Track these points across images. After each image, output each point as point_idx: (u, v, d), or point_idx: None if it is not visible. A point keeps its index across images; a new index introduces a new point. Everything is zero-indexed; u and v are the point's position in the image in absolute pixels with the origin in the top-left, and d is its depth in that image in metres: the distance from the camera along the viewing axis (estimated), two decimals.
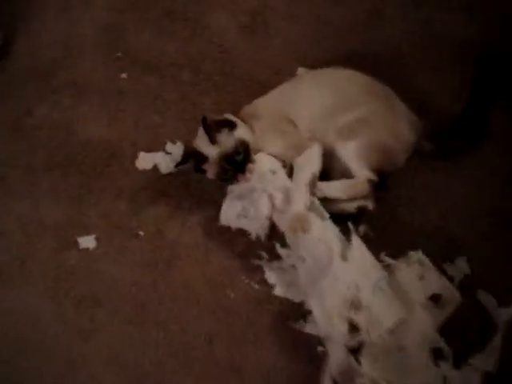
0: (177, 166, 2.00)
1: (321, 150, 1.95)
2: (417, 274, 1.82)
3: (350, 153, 1.95)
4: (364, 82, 2.07)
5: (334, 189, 1.94)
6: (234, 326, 1.90)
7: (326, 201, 1.92)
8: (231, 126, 1.95)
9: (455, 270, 1.89)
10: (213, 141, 1.92)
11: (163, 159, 2.16)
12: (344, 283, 1.74)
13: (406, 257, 1.87)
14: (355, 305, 1.72)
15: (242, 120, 2.02)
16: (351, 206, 1.97)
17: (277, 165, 1.94)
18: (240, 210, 1.93)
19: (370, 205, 1.98)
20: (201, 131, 1.95)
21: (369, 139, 1.95)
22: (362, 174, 1.94)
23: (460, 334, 1.79)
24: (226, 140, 1.93)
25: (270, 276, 1.94)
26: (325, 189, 1.93)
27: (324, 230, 1.82)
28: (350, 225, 1.84)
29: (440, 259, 1.91)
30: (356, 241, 1.80)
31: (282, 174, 1.93)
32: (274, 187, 1.91)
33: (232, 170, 1.93)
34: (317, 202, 1.89)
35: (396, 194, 2.05)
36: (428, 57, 2.30)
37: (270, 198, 1.90)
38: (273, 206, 1.90)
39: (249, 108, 2.09)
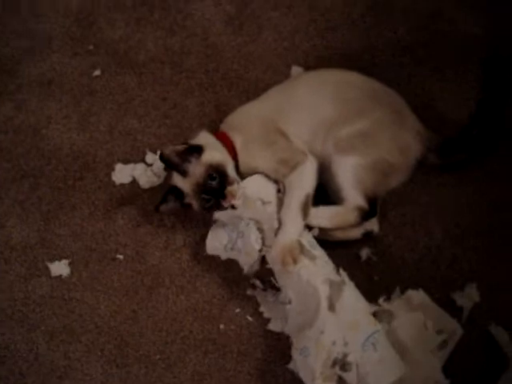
0: (157, 208, 1.76)
1: (315, 166, 1.75)
2: (418, 323, 1.64)
3: (346, 171, 1.75)
4: (367, 85, 1.86)
5: (319, 217, 1.74)
6: (225, 361, 1.73)
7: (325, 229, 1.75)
8: (198, 151, 1.73)
9: (464, 298, 1.75)
10: (183, 173, 1.72)
11: (143, 172, 1.94)
12: (329, 337, 1.53)
13: (405, 296, 1.70)
14: (341, 363, 1.53)
15: (226, 131, 1.81)
16: (357, 232, 1.79)
17: (271, 196, 1.72)
18: (226, 241, 1.73)
19: (375, 228, 1.81)
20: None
21: (369, 156, 1.75)
22: (354, 199, 1.74)
23: (469, 369, 1.66)
24: (196, 168, 1.72)
25: (265, 309, 1.76)
26: (312, 217, 1.73)
27: (313, 272, 1.62)
28: (342, 272, 1.64)
29: (447, 286, 1.76)
30: (348, 289, 1.61)
31: (273, 207, 1.71)
32: (261, 218, 1.70)
33: (212, 199, 1.72)
34: (308, 236, 1.70)
35: (400, 212, 1.88)
36: (432, 55, 2.09)
37: (260, 229, 1.70)
38: (263, 240, 1.70)
39: (232, 117, 1.88)
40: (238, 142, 1.79)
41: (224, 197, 1.70)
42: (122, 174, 1.95)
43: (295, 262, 1.63)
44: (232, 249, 1.73)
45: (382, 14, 2.18)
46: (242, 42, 2.15)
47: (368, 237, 1.82)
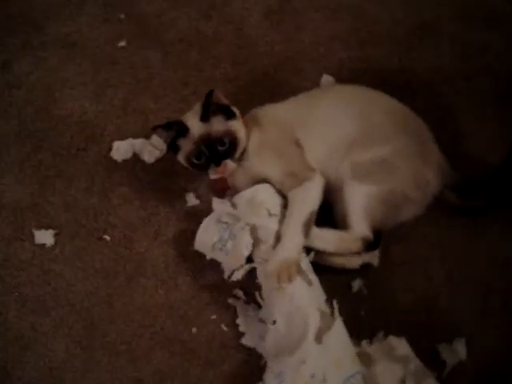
0: (155, 127, 1.68)
1: (322, 186, 1.66)
2: (397, 375, 1.55)
3: (357, 198, 1.66)
4: (396, 111, 1.76)
5: (323, 239, 1.66)
6: (190, 366, 1.67)
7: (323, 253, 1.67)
8: (230, 115, 1.67)
9: (450, 353, 1.65)
10: (204, 117, 1.65)
11: (143, 146, 1.88)
12: (310, 369, 1.45)
13: (387, 342, 1.61)
14: None
15: (245, 123, 1.73)
16: (355, 263, 1.71)
17: (277, 209, 1.65)
18: (217, 240, 1.65)
19: (375, 261, 1.72)
20: (197, 106, 1.68)
21: (385, 187, 1.66)
22: (360, 228, 1.66)
23: None
24: (218, 124, 1.66)
25: (242, 322, 1.69)
26: (316, 238, 1.65)
27: (306, 298, 1.55)
28: (335, 303, 1.56)
29: (435, 337, 1.67)
30: (338, 324, 1.53)
31: (276, 222, 1.64)
32: (261, 227, 1.63)
33: (207, 158, 1.65)
34: (306, 259, 1.62)
35: (403, 248, 1.78)
36: (473, 90, 1.98)
37: (255, 238, 1.63)
38: (254, 247, 1.62)
39: (255, 112, 1.79)
40: (254, 138, 1.72)
41: (218, 164, 1.64)
42: (121, 150, 1.89)
43: (290, 279, 1.56)
44: (220, 249, 1.65)
45: (428, 37, 2.07)
46: (277, 38, 2.06)
47: (365, 269, 1.73)
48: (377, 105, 1.76)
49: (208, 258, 1.68)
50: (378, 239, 1.69)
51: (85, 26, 2.07)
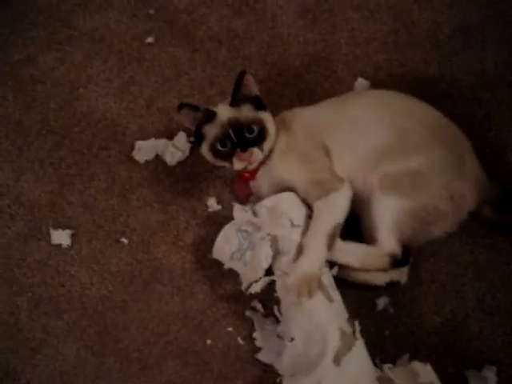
0: (181, 106, 1.59)
1: (350, 197, 1.57)
2: None
3: (386, 212, 1.56)
4: (432, 120, 1.65)
5: (348, 253, 1.57)
6: (203, 378, 1.61)
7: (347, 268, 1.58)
8: (260, 106, 1.61)
9: (479, 380, 1.55)
10: (234, 102, 1.58)
11: (166, 148, 1.82)
12: None
13: (411, 367, 1.51)
14: None
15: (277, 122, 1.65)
16: (381, 279, 1.61)
17: (301, 220, 1.56)
18: (236, 249, 1.58)
19: (403, 279, 1.63)
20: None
21: (416, 201, 1.55)
22: (388, 244, 1.56)
23: None
24: (247, 111, 1.59)
25: (259, 337, 1.62)
26: (341, 252, 1.56)
27: (326, 316, 1.46)
28: (356, 325, 1.47)
29: (464, 362, 1.57)
30: (359, 345, 1.44)
31: (299, 233, 1.55)
32: (283, 238, 1.54)
33: (233, 144, 1.57)
34: (328, 274, 1.53)
35: (434, 267, 1.68)
36: None
37: (276, 249, 1.54)
38: (274, 258, 1.54)
39: (284, 115, 1.71)
40: (281, 142, 1.64)
41: (245, 150, 1.56)
42: (143, 150, 1.82)
43: (310, 294, 1.48)
44: (239, 259, 1.58)
45: (471, 40, 1.93)
46: (311, 38, 1.95)
47: (392, 287, 1.63)
48: (411, 112, 1.65)
49: (226, 267, 1.61)
50: (406, 256, 1.58)
51: (112, 21, 2.00)
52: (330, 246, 1.53)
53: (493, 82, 1.88)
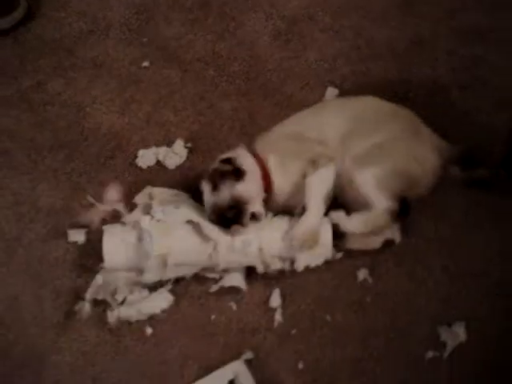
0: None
1: (334, 171, 1.83)
2: None
3: (367, 180, 1.82)
4: (386, 107, 1.95)
5: (354, 223, 1.82)
6: (210, 349, 1.80)
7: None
8: (239, 176, 1.80)
9: (450, 335, 1.79)
10: (214, 188, 1.80)
11: (166, 154, 2.08)
12: None
13: None
14: None
15: (258, 152, 1.88)
16: (377, 241, 1.87)
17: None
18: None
19: (397, 237, 1.88)
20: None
21: (388, 165, 1.83)
22: (381, 203, 1.81)
23: None
24: (224, 192, 1.79)
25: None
26: (346, 223, 1.81)
27: None
28: None
29: (436, 319, 1.81)
30: None
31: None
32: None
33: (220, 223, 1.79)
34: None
35: (404, 242, 1.93)
36: (467, 99, 2.15)
37: None
38: None
39: (263, 138, 1.94)
40: (273, 162, 1.86)
41: (229, 228, 1.77)
42: (146, 157, 2.08)
43: (312, 246, 1.77)
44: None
45: (425, 52, 2.27)
46: (285, 56, 2.27)
47: (389, 246, 1.88)
48: (369, 105, 1.94)
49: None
50: (405, 207, 1.83)
51: (111, 49, 2.29)
52: (326, 205, 1.80)
53: (445, 86, 2.20)
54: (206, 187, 1.82)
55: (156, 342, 1.83)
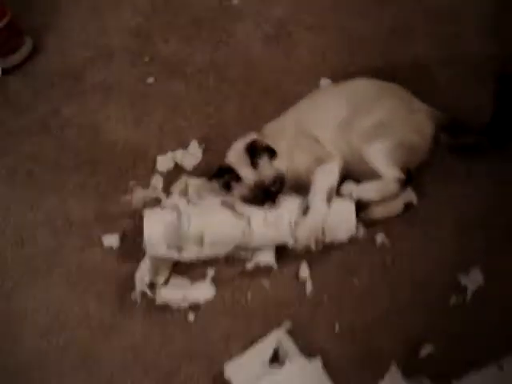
0: (211, 178, 2.02)
1: (340, 165, 2.01)
2: None
3: (375, 155, 2.00)
4: (376, 85, 2.14)
5: (367, 191, 1.99)
6: (250, 326, 1.93)
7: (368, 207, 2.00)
8: (272, 153, 1.98)
9: (469, 280, 1.94)
10: (254, 165, 1.96)
11: (183, 156, 2.23)
12: None
13: None
14: None
15: (266, 138, 2.05)
16: (398, 206, 2.03)
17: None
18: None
19: (414, 199, 2.05)
20: (240, 150, 1.99)
21: (391, 139, 2.00)
22: (390, 174, 1.99)
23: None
24: (266, 169, 1.97)
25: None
26: (359, 191, 1.98)
27: None
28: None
29: (453, 268, 1.96)
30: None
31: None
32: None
33: (262, 198, 1.96)
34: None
35: (417, 205, 2.08)
36: (448, 72, 2.35)
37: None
38: None
39: (271, 126, 2.13)
40: (283, 147, 2.02)
41: (273, 201, 1.95)
42: (164, 162, 2.24)
43: (317, 245, 1.93)
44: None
45: (404, 37, 2.46)
46: (277, 57, 2.47)
47: (408, 209, 2.04)
48: (362, 86, 2.13)
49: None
50: (409, 176, 2.00)
51: (116, 72, 2.47)
52: (329, 201, 1.95)
53: (426, 65, 2.39)
54: (241, 161, 1.97)
55: (199, 327, 1.96)
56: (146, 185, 2.20)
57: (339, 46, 2.46)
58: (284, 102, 2.28)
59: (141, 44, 2.54)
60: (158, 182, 2.19)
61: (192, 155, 2.23)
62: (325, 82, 2.37)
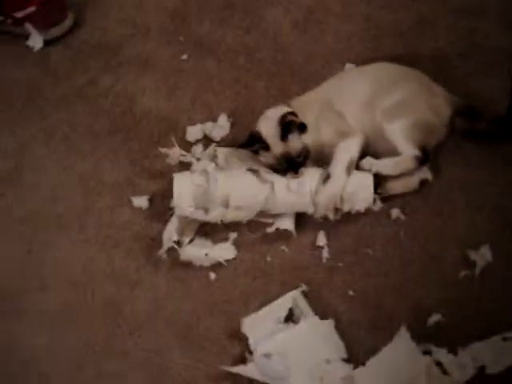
0: (241, 146, 2.13)
1: (362, 140, 2.12)
2: None
3: (396, 132, 2.11)
4: (395, 68, 2.27)
5: (385, 166, 2.09)
6: (269, 287, 2.03)
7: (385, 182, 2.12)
8: (302, 128, 2.08)
9: (478, 256, 2.03)
10: (284, 138, 2.07)
11: (211, 128, 2.36)
12: None
13: None
14: None
15: (295, 109, 2.15)
16: (415, 182, 2.14)
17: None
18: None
19: (429, 176, 2.16)
20: (272, 121, 2.08)
21: (411, 118, 2.11)
22: (409, 151, 2.10)
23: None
24: (294, 142, 2.07)
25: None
26: (378, 166, 2.08)
27: None
28: None
29: (464, 245, 2.06)
30: None
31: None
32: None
33: (286, 168, 2.07)
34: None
35: (432, 183, 2.18)
36: (467, 63, 2.46)
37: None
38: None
39: (300, 99, 2.25)
40: (310, 120, 2.13)
41: (296, 172, 2.06)
42: (194, 132, 2.36)
43: (335, 212, 2.04)
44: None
45: (426, 28, 2.58)
46: (305, 41, 2.59)
47: (424, 185, 2.15)
48: (380, 67, 2.27)
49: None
50: (426, 155, 2.11)
51: (152, 48, 2.60)
52: (349, 173, 2.06)
53: (447, 55, 2.51)
54: (272, 133, 2.07)
55: (220, 285, 2.06)
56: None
57: (364, 34, 2.58)
58: (310, 82, 2.40)
59: (176, 24, 2.67)
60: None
61: (221, 127, 2.35)
62: (349, 66, 2.49)
